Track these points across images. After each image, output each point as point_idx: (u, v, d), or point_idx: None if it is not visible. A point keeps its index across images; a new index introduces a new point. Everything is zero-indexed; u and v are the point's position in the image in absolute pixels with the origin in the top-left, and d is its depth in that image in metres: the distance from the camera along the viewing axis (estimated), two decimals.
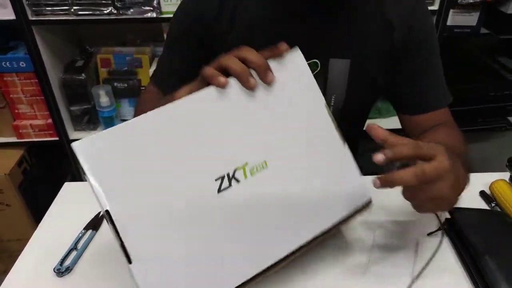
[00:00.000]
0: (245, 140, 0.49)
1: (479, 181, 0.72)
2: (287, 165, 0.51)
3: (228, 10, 0.68)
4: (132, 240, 0.44)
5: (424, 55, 0.70)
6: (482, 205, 0.68)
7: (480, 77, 1.30)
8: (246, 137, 0.49)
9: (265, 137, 0.50)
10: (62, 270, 0.57)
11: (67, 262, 0.58)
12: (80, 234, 0.63)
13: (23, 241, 0.63)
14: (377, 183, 0.45)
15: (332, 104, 0.73)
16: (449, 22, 1.19)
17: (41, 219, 0.68)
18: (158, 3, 1.16)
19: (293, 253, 0.50)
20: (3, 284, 0.57)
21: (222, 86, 0.48)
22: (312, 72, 0.60)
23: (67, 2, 1.14)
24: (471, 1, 1.08)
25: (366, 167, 0.60)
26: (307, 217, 0.51)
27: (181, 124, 0.47)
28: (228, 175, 0.48)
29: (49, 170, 1.49)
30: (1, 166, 1.30)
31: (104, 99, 1.31)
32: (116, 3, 1.15)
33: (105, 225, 0.65)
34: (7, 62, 1.22)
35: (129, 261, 0.43)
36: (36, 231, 0.64)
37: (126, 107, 1.43)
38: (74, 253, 0.60)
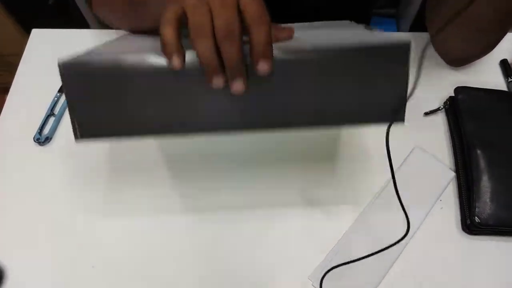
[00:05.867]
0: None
1: (505, 46, 0.61)
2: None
3: None
4: None
5: None
6: (498, 77, 0.60)
7: None
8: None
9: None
10: (41, 140, 0.56)
11: (46, 131, 0.57)
12: (56, 98, 0.60)
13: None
14: None
15: None
16: None
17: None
18: None
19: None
20: None
21: (175, 69, 0.31)
22: None
23: None
24: None
25: None
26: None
27: None
28: None
29: None
30: None
31: None
32: None
33: None
34: None
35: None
36: (8, 97, 0.60)
37: None
38: (52, 120, 0.58)
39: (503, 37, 0.53)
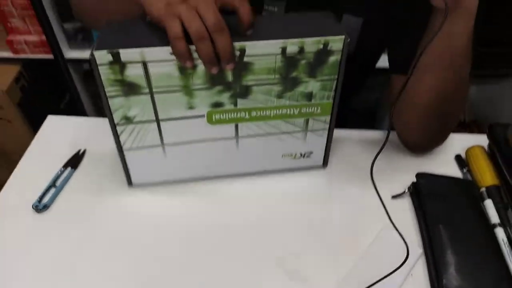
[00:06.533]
0: None
1: (458, 144, 0.71)
2: None
3: None
4: None
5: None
6: (455, 169, 0.68)
7: None
8: None
9: None
10: (40, 207, 0.61)
11: (45, 199, 0.62)
12: (59, 172, 0.66)
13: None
14: None
15: None
16: None
17: None
18: None
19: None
20: None
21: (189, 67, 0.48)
22: None
23: None
24: None
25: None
26: None
27: None
28: None
29: (47, 86, 1.50)
30: None
31: None
32: None
33: (84, 164, 0.68)
34: None
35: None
36: (17, 167, 0.67)
37: None
38: (53, 191, 0.63)
39: (452, 124, 0.65)
